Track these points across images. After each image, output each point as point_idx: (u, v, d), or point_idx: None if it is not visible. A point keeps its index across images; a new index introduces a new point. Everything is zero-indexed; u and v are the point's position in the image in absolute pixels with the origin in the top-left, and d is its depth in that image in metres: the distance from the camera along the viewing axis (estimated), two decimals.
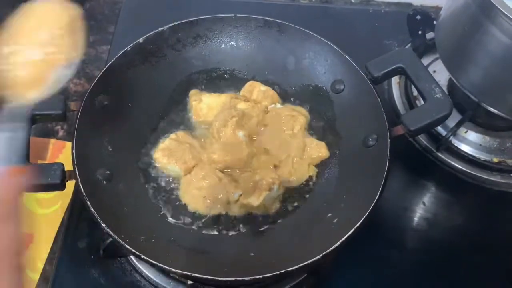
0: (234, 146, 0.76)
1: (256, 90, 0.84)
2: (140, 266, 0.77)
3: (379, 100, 0.75)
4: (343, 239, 0.64)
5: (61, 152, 0.90)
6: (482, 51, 0.76)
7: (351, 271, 0.80)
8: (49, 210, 0.84)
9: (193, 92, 0.85)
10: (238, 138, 0.77)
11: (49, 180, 0.65)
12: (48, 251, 0.80)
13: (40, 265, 0.79)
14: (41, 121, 0.71)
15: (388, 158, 0.70)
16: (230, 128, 0.77)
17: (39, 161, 0.88)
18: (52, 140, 0.91)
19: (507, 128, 0.92)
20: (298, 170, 0.77)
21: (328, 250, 0.63)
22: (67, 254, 0.78)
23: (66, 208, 0.84)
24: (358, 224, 0.65)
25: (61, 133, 0.94)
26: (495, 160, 0.90)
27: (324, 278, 0.79)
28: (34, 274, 0.78)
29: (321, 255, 0.63)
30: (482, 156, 0.90)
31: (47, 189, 0.67)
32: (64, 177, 0.66)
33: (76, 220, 0.81)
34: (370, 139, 0.75)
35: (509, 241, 0.85)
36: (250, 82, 0.86)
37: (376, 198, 0.67)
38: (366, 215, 0.65)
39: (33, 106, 0.67)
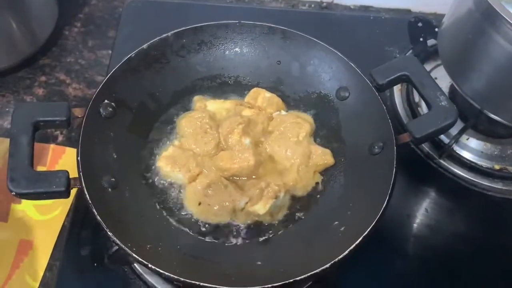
0: (241, 153, 0.75)
1: (260, 96, 0.84)
2: (144, 274, 0.76)
3: (384, 108, 0.75)
4: (352, 247, 0.63)
5: (60, 158, 0.89)
6: (485, 58, 0.77)
7: (355, 278, 0.81)
8: (49, 216, 0.83)
9: (197, 98, 0.84)
10: (245, 145, 0.76)
11: (54, 187, 0.64)
12: (48, 258, 0.79)
13: (40, 272, 0.78)
14: (45, 128, 0.70)
15: (395, 165, 0.70)
16: (237, 135, 0.76)
17: (39, 167, 0.87)
18: (52, 146, 0.91)
19: (508, 135, 0.92)
20: (304, 177, 0.77)
21: (336, 259, 0.63)
22: (70, 262, 0.78)
23: (66, 214, 0.83)
24: (366, 233, 0.64)
25: (60, 138, 0.93)
26: (497, 167, 0.91)
27: (329, 285, 0.79)
28: (34, 281, 0.77)
29: (329, 264, 0.62)
30: (484, 163, 0.91)
31: (51, 196, 0.66)
32: (69, 184, 0.65)
33: (78, 227, 0.81)
34: (376, 147, 0.75)
35: (510, 248, 0.85)
36: (254, 89, 0.85)
37: (384, 206, 0.66)
38: (374, 223, 0.65)
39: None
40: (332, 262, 0.62)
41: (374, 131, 0.76)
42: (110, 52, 1.04)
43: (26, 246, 0.80)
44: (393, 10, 1.18)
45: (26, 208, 0.84)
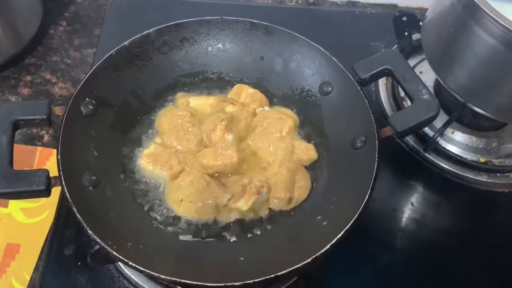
0: (225, 150, 0.75)
1: (244, 92, 0.83)
2: (128, 272, 0.76)
3: (366, 102, 0.75)
4: (333, 242, 0.63)
5: (48, 160, 0.90)
6: (467, 52, 0.77)
7: (341, 272, 0.80)
8: (36, 220, 0.83)
9: (180, 95, 0.84)
10: (228, 142, 0.76)
11: (34, 186, 0.63)
12: (36, 261, 0.79)
13: (27, 276, 0.78)
14: (25, 126, 0.69)
15: (376, 159, 0.69)
16: (220, 131, 0.76)
17: (26, 169, 0.87)
18: (39, 148, 0.91)
19: (493, 128, 0.93)
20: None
21: (318, 254, 0.62)
22: (53, 262, 0.77)
23: (53, 217, 0.82)
24: (347, 227, 0.64)
25: (46, 137, 0.93)
26: (482, 160, 0.91)
27: (314, 281, 0.79)
28: (21, 285, 0.77)
29: (311, 258, 0.62)
30: (469, 156, 0.91)
31: (32, 195, 0.65)
32: (49, 183, 0.64)
33: (62, 226, 0.80)
34: (358, 141, 0.74)
35: (496, 240, 0.86)
36: (237, 85, 0.85)
37: (365, 200, 0.66)
38: (355, 217, 0.65)
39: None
40: (313, 256, 0.62)
41: (356, 125, 0.76)
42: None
43: (13, 250, 0.80)
44: (379, 5, 1.18)
45: (13, 211, 0.83)
